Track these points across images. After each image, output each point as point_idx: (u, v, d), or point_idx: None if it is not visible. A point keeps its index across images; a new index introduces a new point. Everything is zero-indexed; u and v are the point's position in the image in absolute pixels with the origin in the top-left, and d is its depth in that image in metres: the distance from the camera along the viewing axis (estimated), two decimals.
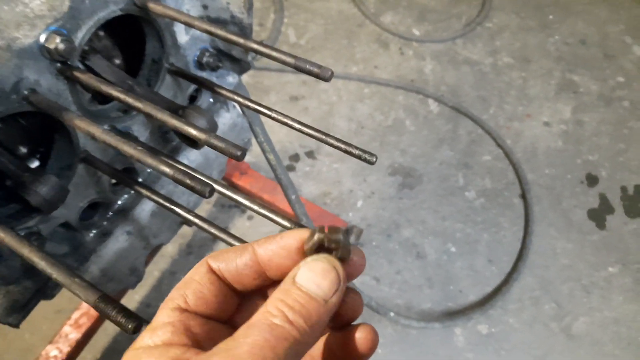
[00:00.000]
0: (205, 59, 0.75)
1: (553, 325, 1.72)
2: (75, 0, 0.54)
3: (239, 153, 0.46)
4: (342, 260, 0.38)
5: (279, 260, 0.38)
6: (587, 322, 1.72)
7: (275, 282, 0.39)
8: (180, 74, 0.71)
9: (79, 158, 0.63)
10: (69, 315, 1.49)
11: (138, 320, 0.38)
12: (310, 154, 2.11)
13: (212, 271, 0.38)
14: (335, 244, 0.37)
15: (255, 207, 0.56)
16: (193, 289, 0.37)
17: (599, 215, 1.94)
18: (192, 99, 0.81)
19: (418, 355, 1.67)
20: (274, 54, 0.53)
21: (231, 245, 0.55)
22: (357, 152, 0.59)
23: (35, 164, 0.67)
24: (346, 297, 0.40)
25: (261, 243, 0.39)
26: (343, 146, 0.59)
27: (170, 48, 0.69)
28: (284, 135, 2.19)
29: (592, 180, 2.02)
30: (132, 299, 1.69)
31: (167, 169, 0.45)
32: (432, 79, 2.31)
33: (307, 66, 0.51)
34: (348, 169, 2.07)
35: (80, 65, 0.66)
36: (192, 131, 0.47)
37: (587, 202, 1.96)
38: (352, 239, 1.82)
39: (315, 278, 0.35)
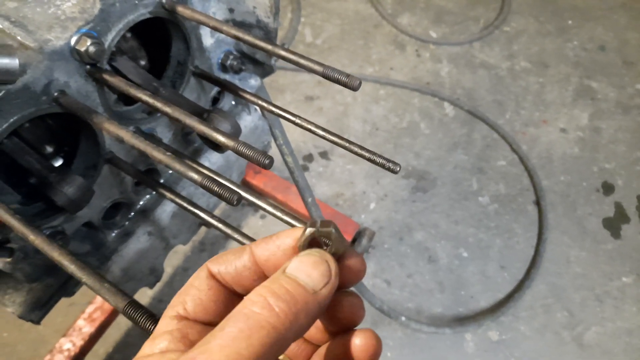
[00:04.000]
0: (229, 62, 0.75)
1: (564, 334, 1.71)
2: (106, 3, 0.54)
3: (266, 161, 0.46)
4: (336, 255, 0.37)
5: (275, 260, 0.37)
6: (599, 332, 1.70)
7: None
8: (205, 76, 0.71)
9: (104, 159, 0.63)
10: (82, 309, 1.50)
11: None
12: (324, 155, 2.11)
13: (212, 276, 0.38)
14: (327, 236, 0.36)
15: (278, 214, 0.56)
16: (192, 295, 0.36)
17: (614, 224, 1.91)
18: (215, 100, 0.81)
19: (427, 359, 1.66)
20: (302, 61, 0.53)
21: None
22: (380, 160, 0.58)
23: (59, 162, 0.67)
24: (343, 300, 0.39)
25: (258, 243, 0.38)
26: (367, 154, 0.59)
27: (196, 51, 0.69)
28: (298, 135, 2.19)
29: (607, 188, 2.00)
30: (145, 294, 1.70)
31: (195, 176, 0.46)
32: (448, 82, 2.30)
33: (336, 75, 0.51)
34: (361, 171, 2.07)
35: (108, 67, 0.66)
36: (221, 138, 0.47)
37: (602, 211, 1.94)
38: (364, 241, 1.82)
39: (305, 268, 0.34)
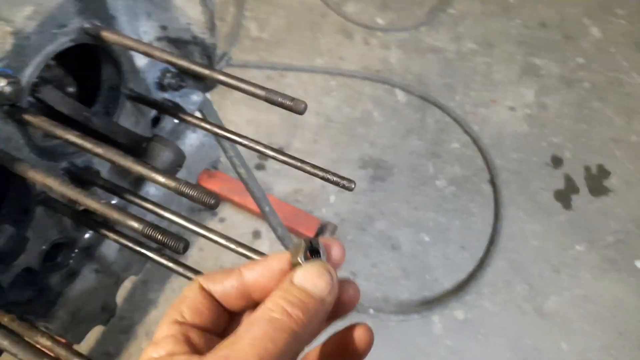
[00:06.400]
0: (167, 81, 0.71)
1: (526, 306, 1.77)
2: (19, 36, 0.49)
3: (212, 202, 0.43)
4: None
5: (264, 282, 0.41)
6: (558, 301, 1.77)
7: (257, 305, 0.42)
8: (141, 99, 0.67)
9: (37, 201, 0.59)
10: None
11: None
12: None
13: (203, 289, 0.41)
14: (318, 247, 0.41)
15: (232, 246, 0.53)
16: (187, 303, 0.39)
17: (564, 195, 1.99)
18: (156, 120, 0.77)
19: (398, 346, 1.69)
20: (243, 86, 0.50)
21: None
22: (334, 179, 0.57)
23: None
24: (342, 295, 0.42)
25: (247, 266, 0.41)
26: (320, 173, 0.57)
27: (129, 73, 0.65)
28: (252, 133, 2.13)
29: (557, 161, 2.07)
30: None
31: (135, 224, 0.42)
32: (398, 68, 2.30)
33: (279, 99, 0.49)
34: (318, 164, 2.03)
35: (31, 98, 0.61)
36: (161, 179, 0.44)
37: (553, 184, 2.01)
38: (327, 235, 1.81)
39: (311, 278, 0.38)
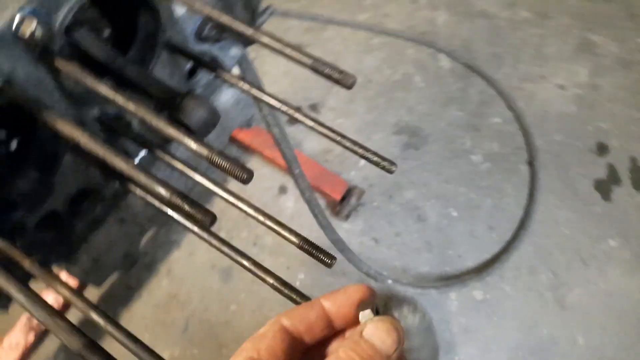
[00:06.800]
0: (205, 32, 0.67)
1: (547, 294, 1.73)
2: None
3: (245, 176, 0.40)
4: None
5: (345, 311, 0.44)
6: (582, 294, 1.72)
7: (338, 332, 0.46)
8: (178, 50, 0.63)
9: (65, 148, 0.57)
10: None
11: None
12: (313, 107, 2.03)
13: (284, 329, 0.43)
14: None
15: (260, 218, 0.51)
16: (265, 344, 0.41)
17: (605, 186, 1.89)
18: (192, 72, 0.73)
19: None
20: (287, 51, 0.46)
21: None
22: (375, 158, 0.53)
23: (13, 147, 0.60)
24: None
25: (327, 297, 0.45)
26: (360, 150, 0.53)
27: (167, 21, 0.61)
28: (287, 86, 2.10)
29: (602, 149, 1.96)
30: None
31: (162, 191, 0.40)
32: (445, 32, 2.18)
33: (326, 69, 0.45)
34: (352, 125, 2.00)
35: (63, 41, 0.58)
36: (193, 146, 0.41)
37: (594, 172, 1.91)
38: (352, 199, 1.79)
39: (380, 335, 0.41)
